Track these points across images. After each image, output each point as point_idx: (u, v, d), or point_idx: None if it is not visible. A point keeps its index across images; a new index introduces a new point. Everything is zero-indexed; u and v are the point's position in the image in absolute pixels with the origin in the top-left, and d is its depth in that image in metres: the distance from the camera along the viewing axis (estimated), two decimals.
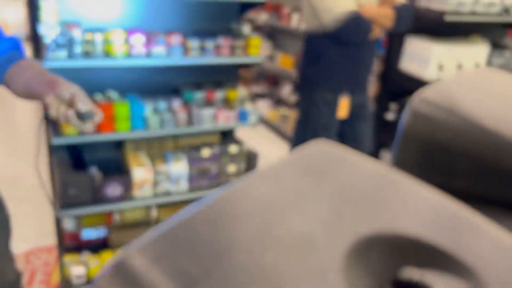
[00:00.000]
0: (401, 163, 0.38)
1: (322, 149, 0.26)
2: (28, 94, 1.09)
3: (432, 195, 0.22)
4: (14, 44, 1.15)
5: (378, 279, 0.19)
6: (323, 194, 0.21)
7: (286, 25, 4.31)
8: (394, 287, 0.19)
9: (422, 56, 2.64)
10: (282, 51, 4.71)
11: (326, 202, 0.21)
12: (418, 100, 0.38)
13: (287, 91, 4.66)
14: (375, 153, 2.94)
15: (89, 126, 1.04)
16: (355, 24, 2.02)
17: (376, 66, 2.87)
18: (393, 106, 2.94)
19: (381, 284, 0.19)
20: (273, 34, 5.04)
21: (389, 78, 2.92)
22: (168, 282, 0.15)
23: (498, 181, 0.33)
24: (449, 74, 2.66)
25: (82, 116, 1.00)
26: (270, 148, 4.29)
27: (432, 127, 0.35)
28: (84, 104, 1.02)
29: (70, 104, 1.01)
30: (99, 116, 1.05)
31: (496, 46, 2.84)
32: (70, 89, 1.02)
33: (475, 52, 2.72)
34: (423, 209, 0.21)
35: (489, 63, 2.82)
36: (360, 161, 0.25)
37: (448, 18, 2.50)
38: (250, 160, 2.37)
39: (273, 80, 5.15)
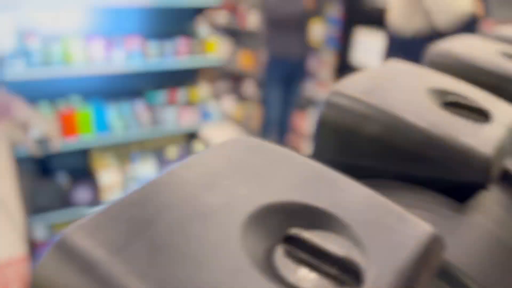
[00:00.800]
0: (318, 148, 0.45)
1: (244, 139, 0.33)
2: None
3: (315, 167, 0.29)
4: None
5: (272, 237, 0.25)
6: (235, 174, 0.28)
7: (243, 24, 4.37)
8: (286, 243, 0.25)
9: (370, 48, 2.73)
10: (243, 48, 4.76)
11: (237, 181, 0.27)
12: (331, 92, 0.45)
13: (250, 87, 4.72)
14: None
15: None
16: (474, 26, 1.96)
17: (333, 61, 2.96)
18: None
19: (276, 242, 0.25)
20: (233, 33, 5.08)
21: (344, 72, 3.02)
22: (100, 250, 0.21)
23: (397, 159, 0.40)
24: None
25: (38, 141, 1.00)
26: None
27: (341, 115, 0.42)
28: (39, 128, 1.01)
29: (25, 127, 1.01)
30: (56, 141, 1.03)
31: None
32: (25, 113, 1.02)
33: None
34: (309, 179, 0.28)
35: None
36: (274, 148, 0.32)
37: None
38: None
39: (236, 77, 5.19)
